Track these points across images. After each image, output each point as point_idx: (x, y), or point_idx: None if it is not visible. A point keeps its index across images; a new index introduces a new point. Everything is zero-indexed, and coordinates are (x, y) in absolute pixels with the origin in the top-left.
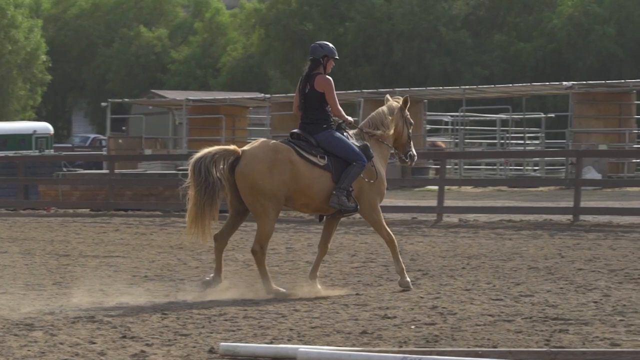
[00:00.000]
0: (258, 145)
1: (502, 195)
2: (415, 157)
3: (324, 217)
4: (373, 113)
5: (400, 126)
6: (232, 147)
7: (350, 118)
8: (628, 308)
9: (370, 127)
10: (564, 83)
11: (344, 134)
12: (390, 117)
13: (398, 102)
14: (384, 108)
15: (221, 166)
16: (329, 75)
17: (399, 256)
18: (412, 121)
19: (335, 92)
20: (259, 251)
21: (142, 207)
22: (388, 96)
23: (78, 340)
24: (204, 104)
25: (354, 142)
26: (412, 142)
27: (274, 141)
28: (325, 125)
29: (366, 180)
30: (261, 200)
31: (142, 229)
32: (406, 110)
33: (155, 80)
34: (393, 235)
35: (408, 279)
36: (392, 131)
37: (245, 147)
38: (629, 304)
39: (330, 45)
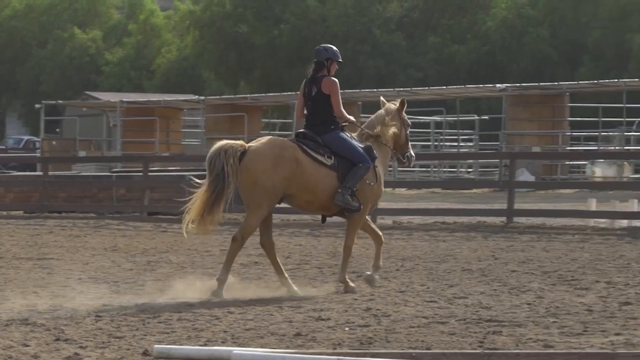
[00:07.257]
0: (265, 142)
1: (436, 197)
2: (414, 158)
3: (326, 218)
4: (372, 116)
5: (399, 128)
6: (239, 142)
7: (352, 118)
8: (561, 310)
9: (371, 129)
10: (498, 85)
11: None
12: (388, 119)
13: (395, 105)
14: (382, 111)
15: (232, 161)
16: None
17: (347, 265)
18: (409, 122)
19: (339, 94)
20: (239, 240)
21: (76, 209)
22: (383, 99)
23: (11, 343)
24: (138, 106)
25: (358, 144)
26: (409, 143)
27: (281, 138)
28: (332, 127)
29: (367, 182)
30: (260, 195)
31: (76, 231)
32: (403, 112)
33: (89, 82)
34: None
35: (353, 284)
36: (391, 133)
37: (252, 143)
38: (562, 305)
39: (334, 48)
